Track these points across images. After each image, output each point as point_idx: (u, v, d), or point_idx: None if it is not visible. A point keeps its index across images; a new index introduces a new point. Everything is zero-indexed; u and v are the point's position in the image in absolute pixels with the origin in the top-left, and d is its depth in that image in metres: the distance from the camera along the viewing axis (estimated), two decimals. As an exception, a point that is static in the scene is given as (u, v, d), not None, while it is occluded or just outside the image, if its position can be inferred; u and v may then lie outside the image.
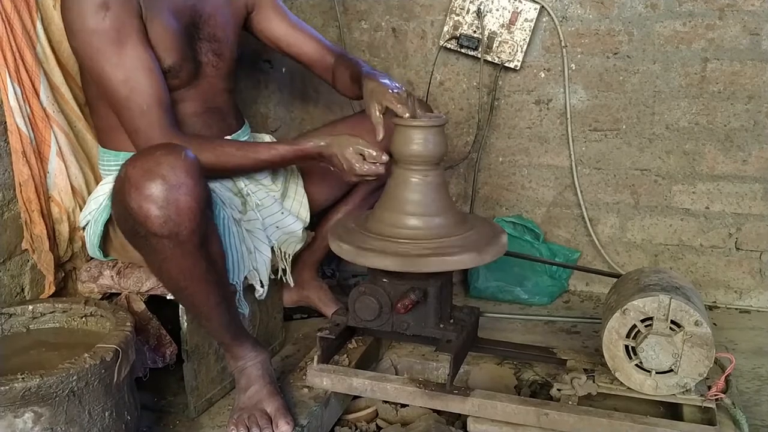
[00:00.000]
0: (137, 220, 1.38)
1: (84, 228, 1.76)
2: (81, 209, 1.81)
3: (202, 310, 1.57)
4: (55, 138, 1.75)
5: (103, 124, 1.75)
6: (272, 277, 1.85)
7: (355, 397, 1.84)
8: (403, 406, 1.83)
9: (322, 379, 1.67)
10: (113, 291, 1.73)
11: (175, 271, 1.48)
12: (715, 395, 1.53)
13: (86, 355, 1.31)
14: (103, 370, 1.32)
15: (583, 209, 2.47)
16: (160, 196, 1.36)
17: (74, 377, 1.27)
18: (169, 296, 1.68)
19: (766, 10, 2.20)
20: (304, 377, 1.73)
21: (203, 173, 1.46)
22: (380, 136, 1.64)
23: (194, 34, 1.76)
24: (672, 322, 1.49)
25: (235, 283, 1.69)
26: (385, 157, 1.63)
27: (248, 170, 1.80)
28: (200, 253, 1.48)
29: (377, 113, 1.64)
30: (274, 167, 1.83)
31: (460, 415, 1.74)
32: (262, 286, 1.78)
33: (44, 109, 1.72)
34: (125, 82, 1.59)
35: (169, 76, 1.68)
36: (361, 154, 1.65)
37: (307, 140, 1.73)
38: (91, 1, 1.54)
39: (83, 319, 1.59)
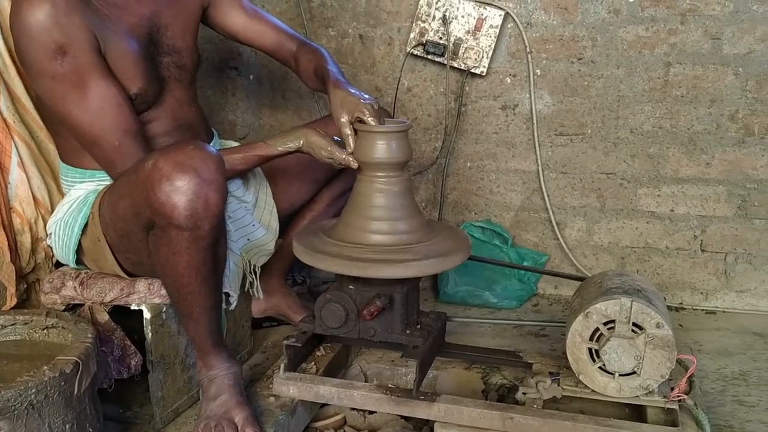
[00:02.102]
0: (160, 211, 1.40)
1: (50, 235, 1.75)
2: (44, 220, 1.79)
3: (195, 312, 1.57)
4: (16, 148, 1.74)
5: (66, 144, 1.73)
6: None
7: (323, 405, 1.84)
8: (371, 412, 1.82)
9: (289, 387, 1.67)
10: (76, 302, 1.72)
11: (183, 266, 1.49)
12: (678, 396, 1.54)
13: (45, 367, 1.30)
14: (62, 383, 1.30)
15: (551, 213, 2.49)
16: (191, 189, 1.39)
17: (33, 390, 1.25)
18: (134, 306, 1.67)
19: (726, 14, 2.24)
20: (270, 386, 1.72)
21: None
22: (351, 148, 1.63)
23: (154, 51, 1.74)
24: (634, 324, 1.50)
25: (227, 291, 1.72)
26: (354, 164, 1.64)
27: (249, 169, 1.80)
28: (212, 251, 1.51)
29: (348, 126, 1.63)
30: (265, 162, 1.79)
31: (428, 420, 1.74)
32: (233, 295, 1.78)
33: (4, 120, 1.71)
34: (93, 124, 1.58)
35: (136, 103, 1.66)
36: (332, 158, 1.66)
37: (283, 143, 1.71)
38: (46, 47, 1.50)
39: (45, 331, 1.57)
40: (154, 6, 1.73)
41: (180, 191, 1.39)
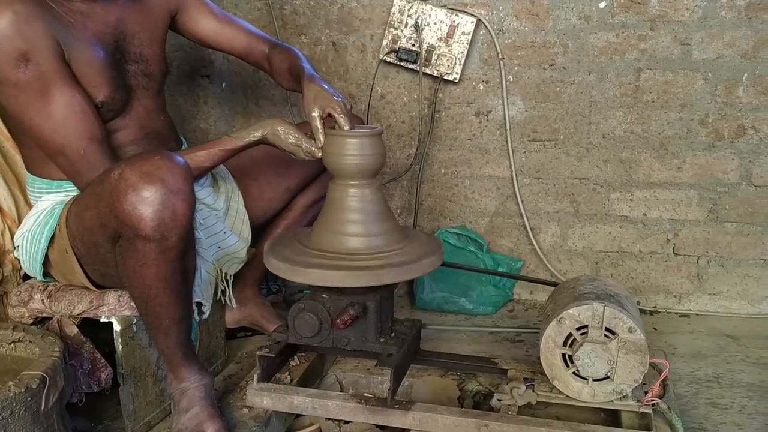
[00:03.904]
0: (127, 222, 1.39)
1: (17, 248, 1.72)
2: (11, 232, 1.76)
3: (164, 324, 1.55)
4: (-19, 159, 1.70)
5: (33, 154, 1.70)
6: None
7: (298, 415, 1.82)
8: (347, 422, 1.81)
9: (262, 398, 1.65)
10: (45, 315, 1.69)
11: (151, 278, 1.47)
12: (652, 400, 1.54)
13: (11, 382, 1.27)
14: (29, 398, 1.28)
15: (525, 218, 2.50)
16: (158, 199, 1.38)
17: (-3, 407, 1.23)
18: (103, 318, 1.65)
19: (695, 20, 2.26)
20: (244, 397, 1.70)
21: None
22: (321, 143, 1.62)
23: (120, 59, 1.71)
24: (606, 329, 1.50)
25: (199, 300, 1.70)
26: (318, 154, 1.62)
27: (216, 165, 1.73)
28: (180, 263, 1.50)
29: (319, 119, 1.62)
30: (231, 155, 1.73)
31: (403, 429, 1.73)
32: (206, 304, 1.77)
33: (-31, 130, 1.68)
34: (57, 132, 1.55)
35: (102, 111, 1.64)
36: (298, 146, 1.64)
37: (247, 134, 1.67)
38: (8, 55, 1.48)
39: (12, 345, 1.54)
40: (121, 14, 1.71)
41: (146, 202, 1.37)
